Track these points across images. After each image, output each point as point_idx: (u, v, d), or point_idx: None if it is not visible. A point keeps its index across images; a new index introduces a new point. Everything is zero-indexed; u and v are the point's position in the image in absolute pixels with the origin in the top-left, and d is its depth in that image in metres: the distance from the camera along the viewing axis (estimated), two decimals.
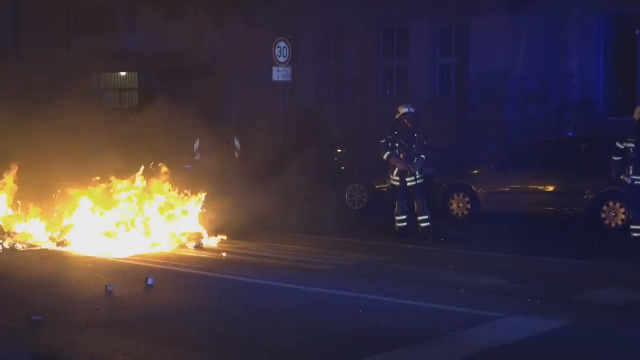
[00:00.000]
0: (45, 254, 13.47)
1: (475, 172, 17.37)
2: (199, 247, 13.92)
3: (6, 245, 13.84)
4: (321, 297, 10.38)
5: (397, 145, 14.72)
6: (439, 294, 10.37)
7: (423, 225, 14.83)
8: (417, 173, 14.76)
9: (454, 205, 17.21)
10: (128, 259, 12.93)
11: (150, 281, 10.84)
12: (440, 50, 23.28)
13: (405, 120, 14.79)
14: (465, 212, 17.09)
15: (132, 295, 10.44)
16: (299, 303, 10.10)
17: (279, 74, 21.63)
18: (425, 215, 14.83)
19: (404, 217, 14.97)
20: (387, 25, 24.14)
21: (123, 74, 30.72)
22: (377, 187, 18.29)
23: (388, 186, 15.27)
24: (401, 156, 14.70)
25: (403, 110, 14.83)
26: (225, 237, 14.40)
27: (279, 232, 14.99)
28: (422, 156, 14.74)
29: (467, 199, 17.10)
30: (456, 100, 22.57)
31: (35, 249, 13.90)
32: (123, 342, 8.29)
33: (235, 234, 14.58)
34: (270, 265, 12.50)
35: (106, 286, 10.48)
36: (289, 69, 21.72)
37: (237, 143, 20.48)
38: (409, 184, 14.78)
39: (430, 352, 8.01)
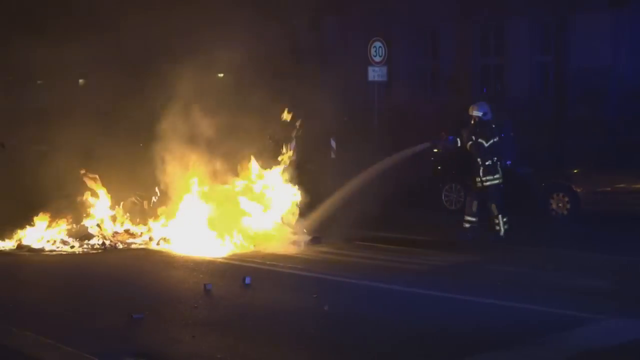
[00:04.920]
0: (145, 253, 13.74)
1: (575, 171, 17.02)
2: (297, 246, 13.96)
3: (107, 244, 14.18)
4: (416, 298, 10.33)
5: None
6: (536, 295, 10.19)
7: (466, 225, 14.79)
8: (494, 174, 14.61)
9: (554, 205, 16.90)
10: (226, 258, 13.09)
11: (247, 280, 10.95)
12: (538, 48, 22.90)
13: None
14: (565, 212, 16.75)
15: (230, 294, 10.57)
16: (393, 303, 10.07)
17: (374, 74, 21.61)
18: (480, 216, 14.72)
19: (474, 219, 14.78)
20: (483, 23, 23.85)
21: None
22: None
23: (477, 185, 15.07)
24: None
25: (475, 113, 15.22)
26: (321, 237, 14.44)
27: (374, 232, 14.95)
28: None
29: (566, 199, 16.77)
30: (553, 98, 22.15)
31: (135, 247, 14.19)
32: (221, 340, 8.40)
33: (331, 234, 14.60)
34: (365, 265, 12.49)
35: (205, 285, 10.63)
36: (384, 69, 21.67)
37: (333, 143, 20.54)
38: (486, 183, 14.60)
39: (529, 354, 7.88)
